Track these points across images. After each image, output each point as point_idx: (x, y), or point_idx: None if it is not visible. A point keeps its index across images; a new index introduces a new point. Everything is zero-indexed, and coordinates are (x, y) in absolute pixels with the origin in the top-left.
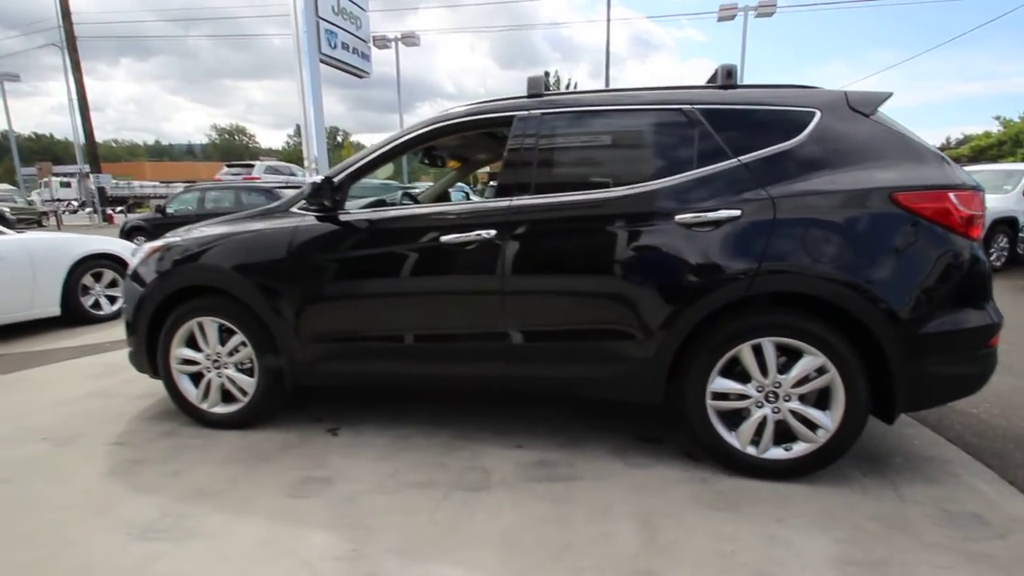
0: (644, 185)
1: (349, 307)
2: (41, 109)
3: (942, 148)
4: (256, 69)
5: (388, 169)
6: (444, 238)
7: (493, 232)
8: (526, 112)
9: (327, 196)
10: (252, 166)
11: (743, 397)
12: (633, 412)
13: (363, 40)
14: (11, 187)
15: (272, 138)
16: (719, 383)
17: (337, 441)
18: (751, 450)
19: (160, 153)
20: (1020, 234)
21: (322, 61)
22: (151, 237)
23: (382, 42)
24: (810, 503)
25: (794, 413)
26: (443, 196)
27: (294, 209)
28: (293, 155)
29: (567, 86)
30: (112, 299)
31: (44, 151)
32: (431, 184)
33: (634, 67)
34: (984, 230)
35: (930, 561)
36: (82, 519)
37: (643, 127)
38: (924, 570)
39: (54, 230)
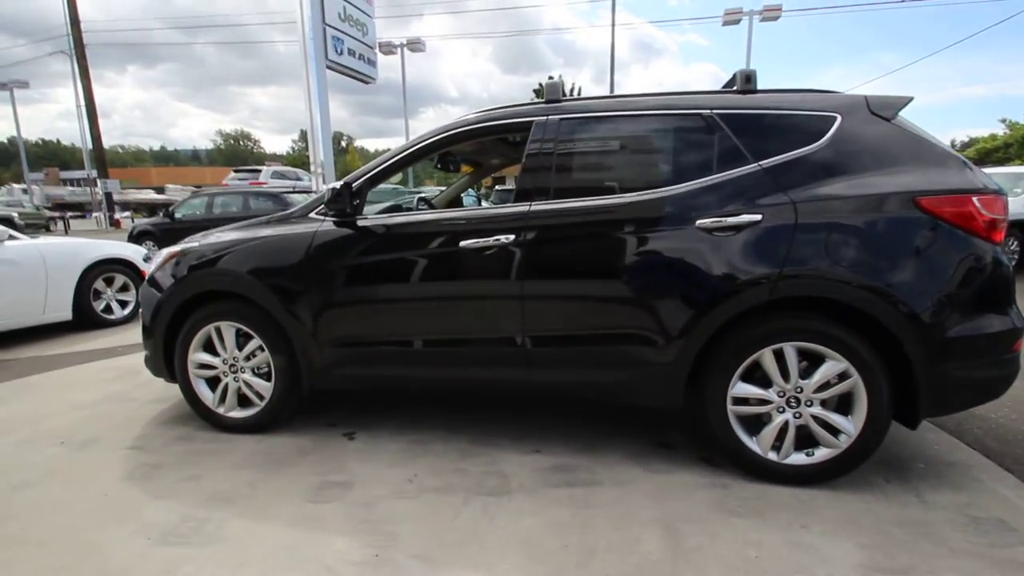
0: (664, 190)
1: (367, 311)
2: (49, 115)
3: None
4: (261, 75)
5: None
6: (463, 243)
7: (512, 237)
8: (545, 117)
9: (346, 202)
10: (259, 171)
11: (764, 402)
12: (644, 417)
13: (369, 46)
14: (18, 186)
15: (277, 143)
16: (740, 388)
17: (353, 446)
18: (772, 455)
19: (166, 159)
20: None
21: (329, 67)
22: (159, 242)
23: (388, 48)
24: (833, 509)
25: (816, 418)
26: (456, 201)
27: (313, 215)
28: (298, 160)
29: (571, 91)
30: (123, 303)
31: (51, 156)
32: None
33: (637, 72)
34: None
35: (957, 568)
36: (103, 524)
37: (662, 132)
38: None
39: (61, 235)
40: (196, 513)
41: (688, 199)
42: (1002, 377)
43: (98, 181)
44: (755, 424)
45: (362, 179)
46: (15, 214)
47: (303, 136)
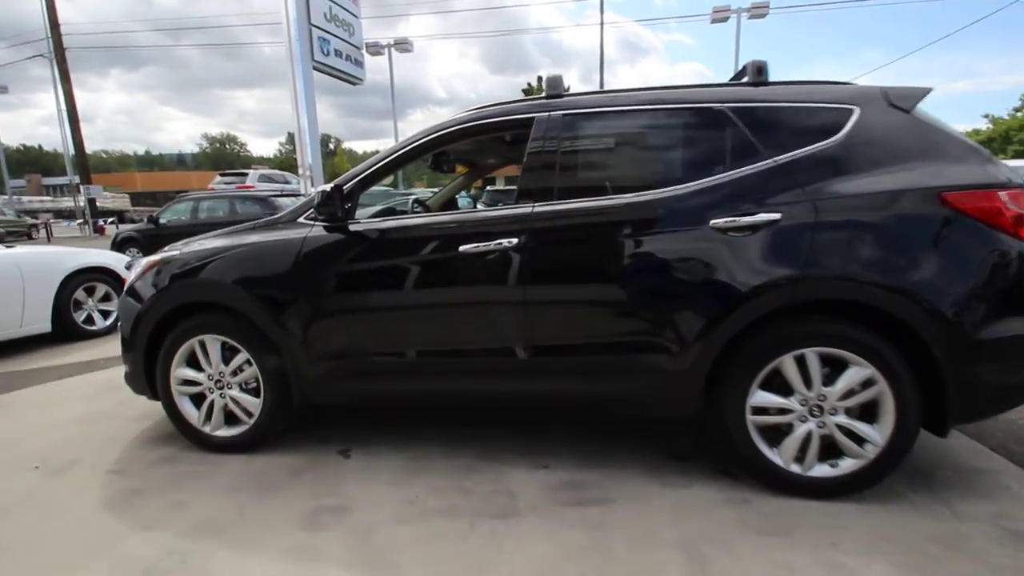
0: (674, 188)
1: (362, 321)
2: (30, 121)
3: None
4: (247, 78)
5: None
6: (463, 247)
7: (515, 240)
8: (547, 113)
9: (337, 205)
10: (246, 175)
11: (785, 411)
12: (656, 428)
13: (356, 47)
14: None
15: (263, 146)
16: (760, 397)
17: (349, 464)
18: (795, 467)
19: (151, 163)
20: None
21: (315, 68)
22: (143, 248)
23: (375, 49)
24: (863, 524)
25: (840, 427)
26: (451, 203)
27: (302, 219)
28: (285, 163)
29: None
30: (105, 314)
31: (33, 163)
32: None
33: (623, 71)
34: None
35: None
36: (80, 560)
37: (671, 128)
38: None
39: (43, 243)
40: (180, 545)
41: (699, 198)
42: None
43: (80, 187)
44: (776, 435)
45: (353, 181)
46: None
47: (290, 139)
